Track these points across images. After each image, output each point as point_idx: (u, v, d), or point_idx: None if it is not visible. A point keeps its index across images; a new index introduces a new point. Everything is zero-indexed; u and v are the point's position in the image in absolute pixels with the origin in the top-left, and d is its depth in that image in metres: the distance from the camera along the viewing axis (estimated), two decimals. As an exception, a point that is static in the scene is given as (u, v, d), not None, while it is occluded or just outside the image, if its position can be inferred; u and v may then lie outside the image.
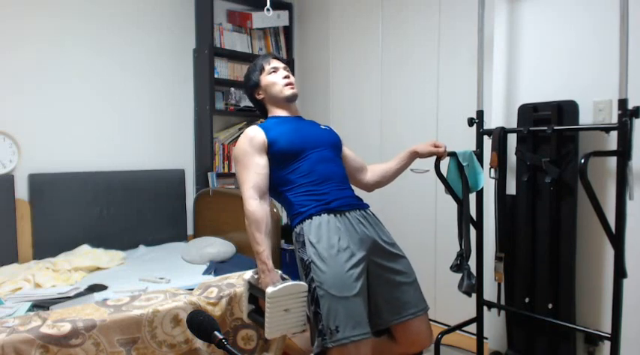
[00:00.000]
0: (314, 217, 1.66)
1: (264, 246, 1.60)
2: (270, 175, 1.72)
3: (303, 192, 1.70)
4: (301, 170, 1.72)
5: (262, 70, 1.86)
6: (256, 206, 1.63)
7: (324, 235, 1.62)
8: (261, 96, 1.88)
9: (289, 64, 3.10)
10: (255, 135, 1.72)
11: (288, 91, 1.82)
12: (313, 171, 1.72)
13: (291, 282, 1.55)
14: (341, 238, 1.62)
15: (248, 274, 1.67)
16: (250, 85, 1.88)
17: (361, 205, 1.78)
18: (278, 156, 1.72)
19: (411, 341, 1.74)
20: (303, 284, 1.56)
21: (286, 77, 1.84)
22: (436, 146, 1.96)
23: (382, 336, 1.76)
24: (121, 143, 3.16)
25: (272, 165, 1.73)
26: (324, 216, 1.66)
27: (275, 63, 1.87)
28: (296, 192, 1.71)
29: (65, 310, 1.83)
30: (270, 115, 1.87)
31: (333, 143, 1.85)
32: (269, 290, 1.50)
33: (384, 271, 1.70)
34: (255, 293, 1.62)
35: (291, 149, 1.72)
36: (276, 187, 1.75)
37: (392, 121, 3.03)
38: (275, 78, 1.83)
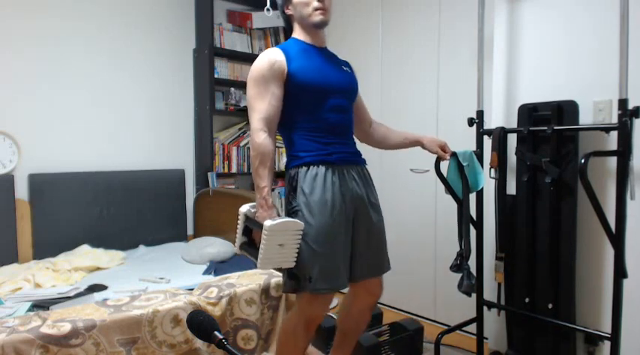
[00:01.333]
0: (311, 166, 1.64)
1: (266, 182, 1.59)
2: (283, 101, 1.66)
3: (308, 135, 1.67)
4: (313, 113, 1.67)
5: None
6: (264, 138, 1.59)
7: (318, 188, 1.62)
8: (290, 12, 1.75)
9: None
10: (276, 59, 1.63)
11: (317, 17, 1.68)
12: (324, 118, 1.68)
13: (288, 219, 1.56)
14: (334, 193, 1.63)
15: (245, 207, 1.64)
16: None
17: (359, 161, 1.78)
18: (295, 91, 1.65)
19: (368, 294, 1.81)
20: (299, 223, 1.56)
21: (320, 1, 1.68)
22: (444, 150, 1.93)
23: (340, 305, 1.86)
24: (121, 143, 3.16)
25: (285, 98, 1.66)
26: (322, 168, 1.64)
27: None
28: (302, 135, 1.68)
29: (65, 310, 1.83)
30: (294, 35, 1.77)
31: (351, 89, 1.79)
32: (267, 223, 1.51)
33: (364, 231, 1.73)
34: (251, 226, 1.61)
35: (311, 89, 1.65)
36: (283, 121, 1.69)
37: (392, 121, 3.01)
38: None
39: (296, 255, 1.58)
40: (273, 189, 3.54)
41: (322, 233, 1.60)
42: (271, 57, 1.64)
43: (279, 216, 1.61)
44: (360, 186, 1.72)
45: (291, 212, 1.64)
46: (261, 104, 1.61)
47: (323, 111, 1.67)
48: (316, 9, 1.68)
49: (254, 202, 1.65)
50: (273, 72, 1.62)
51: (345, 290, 1.84)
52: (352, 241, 1.71)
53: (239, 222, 1.64)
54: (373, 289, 1.81)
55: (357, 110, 1.91)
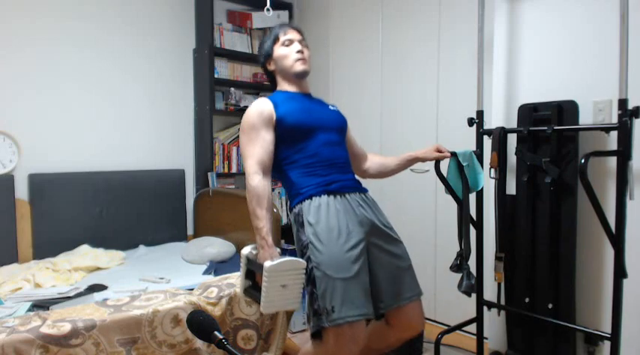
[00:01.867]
0: (314, 198, 1.65)
1: (264, 222, 1.59)
2: (274, 151, 1.70)
3: (305, 172, 1.70)
4: (307, 150, 1.70)
5: (277, 39, 1.80)
6: (259, 181, 1.62)
7: (323, 216, 1.62)
8: (272, 68, 1.83)
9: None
10: (264, 108, 1.69)
11: (299, 67, 1.76)
12: (318, 153, 1.71)
13: (290, 258, 1.54)
14: (340, 220, 1.63)
15: (247, 249, 1.65)
16: (263, 54, 1.85)
17: (361, 189, 1.79)
18: (285, 134, 1.69)
19: (405, 326, 1.75)
20: (301, 261, 1.55)
21: (300, 52, 1.77)
22: (439, 151, 1.96)
23: (377, 321, 1.79)
24: (121, 143, 3.16)
25: (278, 142, 1.70)
26: (324, 198, 1.66)
27: (291, 34, 1.80)
28: (298, 172, 1.70)
29: (65, 310, 1.83)
30: (279, 88, 1.84)
31: (340, 126, 1.83)
32: (267, 264, 1.50)
33: (382, 253, 1.71)
34: (253, 269, 1.61)
35: (300, 128, 1.70)
36: (279, 164, 1.73)
37: (392, 121, 3.03)
38: (287, 51, 1.77)
39: (300, 295, 1.55)
40: (273, 190, 3.55)
41: (336, 258, 1.57)
42: (259, 106, 1.70)
43: (281, 255, 1.61)
44: (367, 211, 1.72)
45: (302, 248, 1.63)
46: (253, 149, 1.66)
47: (316, 147, 1.71)
48: (297, 59, 1.76)
49: (255, 243, 1.65)
50: (262, 119, 1.67)
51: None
52: (372, 267, 1.68)
53: (242, 264, 1.65)
54: (411, 320, 1.73)
55: (350, 147, 1.93)
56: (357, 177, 1.86)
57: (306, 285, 1.60)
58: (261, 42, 1.88)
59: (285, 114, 1.69)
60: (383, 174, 2.02)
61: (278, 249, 1.66)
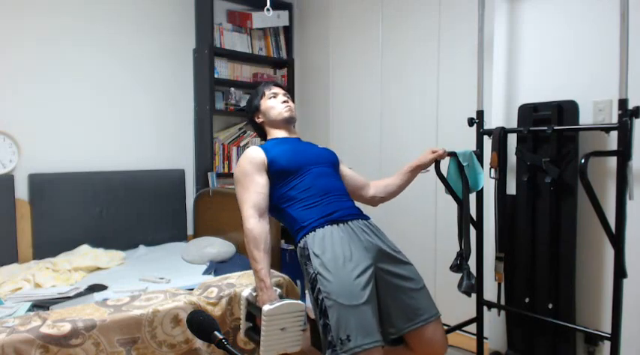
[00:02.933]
0: (317, 230, 1.66)
1: (262, 264, 1.61)
2: (270, 194, 1.76)
3: (304, 206, 1.72)
4: (301, 185, 1.75)
5: (263, 95, 1.95)
6: (255, 224, 1.65)
7: (328, 246, 1.62)
8: (260, 120, 1.95)
9: (289, 91, 3.15)
10: (255, 155, 1.77)
11: (286, 113, 1.90)
12: (313, 186, 1.75)
13: (287, 301, 1.54)
14: (344, 247, 1.62)
15: (246, 291, 1.67)
16: (251, 110, 1.97)
17: (362, 216, 1.79)
18: (278, 174, 1.76)
19: (425, 348, 1.71)
20: (300, 303, 1.56)
21: (285, 102, 1.92)
22: (434, 151, 2.00)
23: (398, 345, 1.75)
24: (121, 143, 3.16)
25: (272, 184, 1.76)
26: (328, 228, 1.66)
27: (275, 89, 1.96)
28: (297, 207, 1.73)
29: (65, 310, 1.83)
30: (269, 137, 1.94)
31: (330, 160, 1.90)
32: (265, 308, 1.50)
33: (392, 277, 1.69)
34: (253, 311, 1.62)
35: (291, 166, 1.76)
36: (277, 205, 1.77)
37: (392, 121, 3.03)
38: (274, 102, 1.92)
39: (300, 337, 1.55)
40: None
41: (345, 286, 1.55)
42: (250, 154, 1.78)
43: (281, 297, 1.62)
44: (372, 237, 1.72)
45: (312, 281, 1.62)
46: (248, 194, 1.71)
47: (310, 181, 1.75)
48: (284, 108, 1.90)
49: (255, 285, 1.66)
50: (254, 165, 1.75)
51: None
52: (382, 292, 1.66)
53: (242, 307, 1.66)
54: (434, 342, 1.69)
55: (350, 179, 1.98)
56: (357, 204, 1.87)
57: (318, 317, 1.58)
58: (247, 101, 2.02)
59: (276, 156, 1.77)
60: (391, 193, 2.03)
61: (279, 290, 1.68)
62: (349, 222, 1.71)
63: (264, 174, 1.75)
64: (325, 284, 1.56)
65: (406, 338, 1.72)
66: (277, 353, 1.51)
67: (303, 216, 1.71)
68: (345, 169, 1.99)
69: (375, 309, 1.60)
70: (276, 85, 2.00)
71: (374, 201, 2.03)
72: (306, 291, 2.29)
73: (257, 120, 1.96)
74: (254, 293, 1.64)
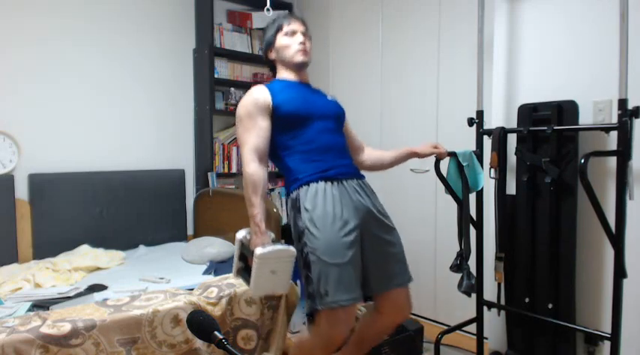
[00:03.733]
0: (311, 184, 1.68)
1: (258, 209, 1.62)
2: (271, 138, 1.72)
3: (302, 158, 1.72)
4: (303, 138, 1.72)
5: (280, 29, 1.80)
6: (255, 168, 1.64)
7: (319, 203, 1.65)
8: (272, 56, 1.84)
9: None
10: (260, 96, 1.70)
11: (299, 58, 1.78)
12: (315, 140, 1.73)
13: (280, 246, 1.58)
14: (336, 206, 1.65)
15: (241, 233, 1.67)
16: (265, 42, 1.85)
17: (358, 175, 1.81)
18: (282, 121, 1.71)
19: (392, 311, 1.79)
20: (291, 249, 1.59)
21: (302, 43, 1.78)
22: (436, 147, 2.01)
23: (367, 313, 1.83)
24: (121, 143, 3.16)
25: (274, 129, 1.72)
26: (321, 184, 1.68)
27: (295, 25, 1.80)
28: (296, 158, 1.73)
29: (65, 310, 1.83)
30: (278, 76, 1.85)
31: (337, 114, 1.85)
32: (258, 251, 1.55)
33: (376, 241, 1.73)
34: (246, 253, 1.65)
35: (296, 116, 1.72)
36: (276, 151, 1.75)
37: (392, 121, 3.03)
38: (290, 41, 1.78)
39: (289, 280, 1.59)
40: (273, 189, 3.54)
41: (331, 244, 1.60)
42: (255, 94, 1.72)
43: (273, 242, 1.64)
44: (364, 198, 1.74)
45: (299, 234, 1.66)
46: (250, 137, 1.68)
47: (313, 134, 1.73)
48: (298, 51, 1.77)
49: (250, 228, 1.67)
50: (258, 107, 1.69)
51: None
52: (365, 252, 1.71)
53: (235, 247, 1.67)
54: (400, 305, 1.78)
55: (348, 138, 1.94)
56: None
57: (301, 269, 1.65)
58: (265, 29, 1.88)
59: (282, 101, 1.70)
60: (378, 167, 2.03)
61: (272, 235, 1.68)
62: (344, 181, 1.72)
63: (268, 118, 1.70)
64: (312, 240, 1.61)
65: (376, 299, 1.79)
66: (265, 293, 1.58)
67: (299, 168, 1.71)
68: (347, 127, 1.95)
69: (358, 269, 1.66)
70: (297, 19, 1.83)
71: (361, 166, 2.00)
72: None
73: (270, 55, 1.84)
74: (248, 236, 1.66)
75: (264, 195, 1.66)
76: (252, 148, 1.66)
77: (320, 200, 1.65)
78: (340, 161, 1.76)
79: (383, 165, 2.03)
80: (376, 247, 1.73)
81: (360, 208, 1.70)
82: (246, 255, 1.66)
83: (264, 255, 1.54)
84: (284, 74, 1.83)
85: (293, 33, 1.79)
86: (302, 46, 1.78)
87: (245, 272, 1.66)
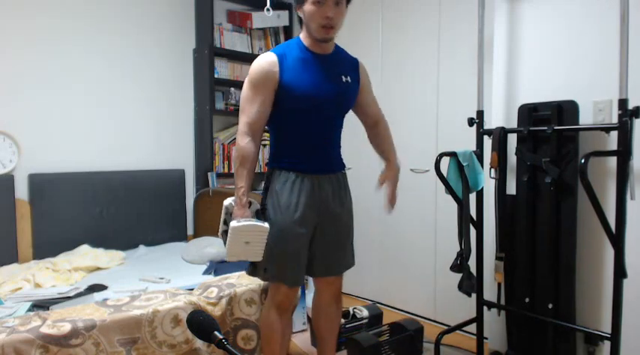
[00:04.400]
0: (284, 172, 1.75)
1: (243, 183, 1.69)
2: (272, 107, 1.73)
3: (288, 142, 1.77)
4: (297, 124, 1.74)
5: None
6: (247, 142, 1.70)
7: (285, 192, 1.72)
8: (300, 15, 1.72)
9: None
10: (270, 70, 1.67)
11: (320, 34, 1.68)
12: (309, 133, 1.75)
13: (254, 222, 1.66)
14: (301, 198, 1.72)
15: (228, 200, 1.75)
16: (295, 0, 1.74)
17: (335, 169, 1.83)
18: (283, 102, 1.71)
19: (327, 285, 1.90)
20: (265, 226, 1.66)
21: (328, 17, 1.63)
22: (383, 182, 1.92)
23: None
24: (121, 143, 3.16)
25: (275, 103, 1.72)
26: (292, 175, 1.74)
27: None
28: (283, 139, 1.78)
29: (65, 310, 1.83)
30: (301, 36, 1.76)
31: (341, 101, 1.79)
32: (232, 223, 1.64)
33: (327, 234, 1.80)
34: (228, 219, 1.74)
35: (298, 102, 1.70)
36: (273, 122, 1.78)
37: (392, 121, 3.01)
38: (316, 11, 1.63)
39: (262, 251, 1.69)
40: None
41: (281, 233, 1.70)
42: (265, 65, 1.69)
43: (255, 214, 1.75)
44: (329, 194, 1.79)
45: (262, 208, 1.77)
46: (250, 109, 1.71)
47: (306, 122, 1.74)
48: (322, 25, 1.65)
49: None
50: (265, 81, 1.68)
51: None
52: (313, 242, 1.79)
53: (222, 212, 1.77)
54: (331, 280, 1.90)
55: (359, 108, 1.92)
56: (338, 154, 1.88)
57: None
58: None
59: (288, 82, 1.68)
60: (375, 148, 2.02)
61: (257, 206, 1.77)
62: (314, 177, 1.76)
63: (272, 93, 1.70)
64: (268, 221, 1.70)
65: (314, 279, 1.94)
66: (239, 259, 1.69)
67: (282, 150, 1.77)
68: (363, 98, 1.89)
69: (303, 260, 1.77)
70: None
71: (369, 138, 2.01)
72: (306, 291, 2.32)
73: (298, 12, 1.72)
74: (233, 204, 1.73)
75: (252, 170, 1.72)
76: (249, 121, 1.70)
77: (287, 190, 1.72)
78: (320, 157, 1.78)
79: (376, 149, 2.03)
80: (326, 240, 1.81)
81: (321, 205, 1.76)
82: (227, 221, 1.74)
83: (236, 228, 1.63)
84: (305, 39, 1.74)
85: (321, 1, 1.62)
86: (327, 21, 1.64)
87: (226, 235, 1.73)
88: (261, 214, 1.76)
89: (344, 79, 1.79)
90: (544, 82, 2.07)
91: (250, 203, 1.74)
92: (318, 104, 1.72)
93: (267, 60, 1.69)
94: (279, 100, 1.71)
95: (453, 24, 2.64)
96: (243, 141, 1.69)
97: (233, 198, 1.73)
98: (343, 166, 1.88)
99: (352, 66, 1.86)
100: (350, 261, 1.91)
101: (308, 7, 1.65)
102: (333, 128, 1.83)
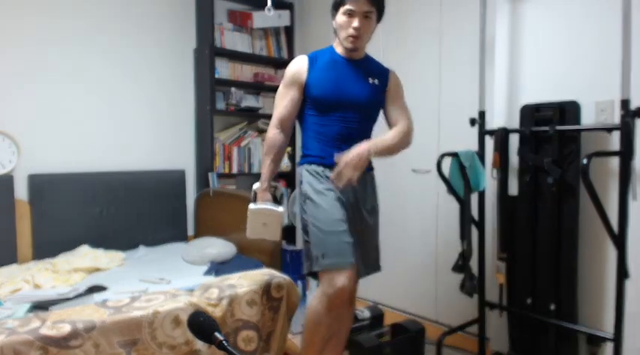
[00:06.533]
0: (313, 165, 1.86)
1: (266, 169, 1.88)
2: (301, 106, 1.90)
3: (315, 139, 1.88)
4: (322, 121, 1.86)
5: (342, 3, 1.78)
6: (274, 134, 1.88)
7: (316, 181, 1.83)
8: (334, 26, 1.87)
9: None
10: (299, 69, 1.87)
11: (347, 44, 1.84)
12: (331, 128, 1.85)
13: (269, 206, 1.84)
14: (330, 187, 1.80)
15: (256, 184, 1.93)
16: (332, 6, 1.87)
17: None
18: (309, 100, 1.88)
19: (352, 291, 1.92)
20: (277, 210, 1.84)
21: (356, 28, 1.77)
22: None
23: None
24: (121, 143, 3.15)
25: (304, 100, 1.89)
26: (320, 168, 1.85)
27: (353, 5, 1.74)
28: (311, 136, 1.90)
29: (65, 311, 1.82)
30: (334, 44, 1.94)
31: (365, 104, 1.89)
32: (251, 206, 1.84)
33: (356, 234, 1.84)
34: (252, 200, 1.92)
35: (321, 100, 1.84)
36: (301, 116, 1.93)
37: (393, 121, 3.02)
38: (345, 22, 1.80)
39: (279, 232, 1.86)
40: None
41: (329, 215, 1.76)
42: (297, 66, 1.88)
43: (275, 199, 1.91)
44: (357, 192, 1.84)
45: (302, 199, 1.85)
46: (282, 104, 1.89)
47: (331, 120, 1.85)
48: (349, 35, 1.81)
49: None
50: (294, 80, 1.87)
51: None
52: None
53: (252, 193, 1.94)
54: (353, 291, 1.89)
55: (386, 114, 2.01)
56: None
57: (300, 228, 1.89)
58: None
59: (314, 83, 1.84)
60: None
61: (282, 190, 1.91)
62: None
63: (301, 91, 1.87)
64: (312, 209, 1.79)
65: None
66: (258, 237, 1.87)
67: (309, 146, 1.90)
68: (390, 104, 1.98)
69: (352, 240, 1.78)
70: None
71: None
72: (307, 292, 2.31)
73: (333, 23, 1.87)
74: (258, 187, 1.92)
75: (277, 160, 1.89)
76: (279, 116, 1.89)
77: (317, 179, 1.82)
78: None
79: None
80: (355, 239, 1.83)
81: (348, 201, 1.82)
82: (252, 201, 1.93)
83: (253, 211, 1.83)
84: (337, 47, 1.92)
85: (352, 14, 1.77)
86: (355, 31, 1.78)
87: None
88: (279, 199, 1.86)
89: (371, 80, 1.91)
90: (546, 82, 2.06)
91: (275, 187, 1.90)
92: (339, 102, 1.84)
93: (298, 61, 1.90)
94: (306, 98, 1.87)
95: (455, 24, 2.64)
96: (271, 133, 1.88)
97: (259, 182, 1.91)
98: (371, 167, 1.94)
99: (381, 72, 1.97)
100: (376, 264, 1.96)
101: (339, 17, 1.82)
102: (356, 127, 1.89)
